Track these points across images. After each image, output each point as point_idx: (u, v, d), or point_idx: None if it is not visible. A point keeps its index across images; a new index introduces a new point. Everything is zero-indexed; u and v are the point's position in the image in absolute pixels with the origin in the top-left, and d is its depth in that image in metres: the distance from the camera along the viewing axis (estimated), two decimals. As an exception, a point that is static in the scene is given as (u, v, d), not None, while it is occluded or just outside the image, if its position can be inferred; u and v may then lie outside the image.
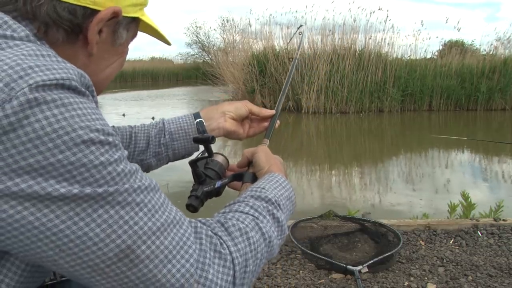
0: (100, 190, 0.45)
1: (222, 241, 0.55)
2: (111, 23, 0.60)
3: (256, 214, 0.63)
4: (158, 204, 0.51)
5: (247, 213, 0.62)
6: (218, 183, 0.81)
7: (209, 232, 0.56)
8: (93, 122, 0.47)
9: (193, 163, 0.79)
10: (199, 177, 0.79)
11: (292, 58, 1.15)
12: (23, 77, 0.44)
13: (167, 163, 1.01)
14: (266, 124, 1.01)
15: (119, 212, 0.47)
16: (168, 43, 0.78)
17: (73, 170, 0.44)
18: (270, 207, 0.66)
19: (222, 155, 0.87)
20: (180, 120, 0.97)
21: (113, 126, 1.01)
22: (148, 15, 0.70)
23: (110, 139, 0.48)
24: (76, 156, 0.44)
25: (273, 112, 1.01)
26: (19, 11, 0.54)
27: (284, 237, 0.68)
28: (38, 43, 0.52)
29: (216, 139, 0.97)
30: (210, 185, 0.79)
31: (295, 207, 0.76)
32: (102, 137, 0.47)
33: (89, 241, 0.45)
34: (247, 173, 0.83)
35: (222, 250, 0.54)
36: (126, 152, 0.51)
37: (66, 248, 0.45)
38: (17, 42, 0.49)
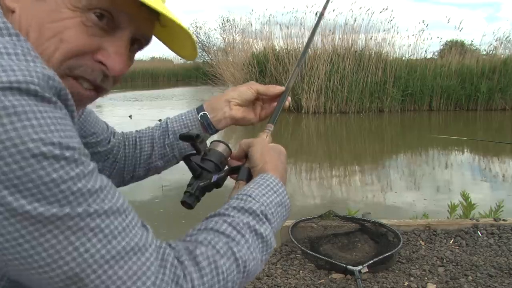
0: (48, 213, 0.41)
1: (186, 273, 0.50)
2: None
3: (233, 234, 0.57)
4: (118, 229, 0.45)
5: (223, 233, 0.57)
6: (214, 177, 0.75)
7: (175, 262, 0.50)
8: (49, 134, 0.42)
9: (186, 158, 0.75)
10: (194, 171, 0.75)
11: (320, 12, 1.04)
12: None
13: (177, 163, 0.96)
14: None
15: (68, 238, 0.42)
16: (192, 57, 0.69)
17: (19, 184, 0.40)
18: (252, 223, 0.60)
19: (223, 143, 0.80)
20: (183, 117, 0.93)
21: (122, 132, 0.97)
22: None
23: (68, 153, 0.43)
24: (24, 171, 0.40)
25: (282, 88, 0.92)
26: None
27: (270, 251, 0.63)
28: (15, 33, 0.47)
29: (225, 128, 0.93)
30: (206, 179, 0.75)
31: (289, 211, 0.71)
32: (57, 152, 0.42)
33: (34, 263, 0.42)
34: (243, 169, 0.77)
35: (184, 284, 0.49)
36: (91, 166, 0.46)
37: (11, 264, 0.43)
38: None
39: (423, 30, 16.07)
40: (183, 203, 0.73)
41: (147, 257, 0.47)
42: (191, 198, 0.73)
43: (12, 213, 0.40)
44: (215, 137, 0.90)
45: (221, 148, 0.79)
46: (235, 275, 0.55)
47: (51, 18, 0.52)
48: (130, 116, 10.17)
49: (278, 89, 0.92)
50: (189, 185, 0.75)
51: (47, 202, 0.41)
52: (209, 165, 0.77)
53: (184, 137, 0.74)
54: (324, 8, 1.03)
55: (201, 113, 0.92)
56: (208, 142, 0.80)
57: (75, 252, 0.43)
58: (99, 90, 0.60)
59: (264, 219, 0.63)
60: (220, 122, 0.92)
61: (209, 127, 0.92)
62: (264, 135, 0.84)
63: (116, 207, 0.46)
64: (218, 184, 0.76)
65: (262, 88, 0.93)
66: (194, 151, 0.76)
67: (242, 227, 0.59)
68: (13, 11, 0.53)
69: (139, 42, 0.63)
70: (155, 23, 0.63)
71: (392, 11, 19.85)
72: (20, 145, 0.40)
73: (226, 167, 0.80)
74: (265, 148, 0.76)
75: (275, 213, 0.66)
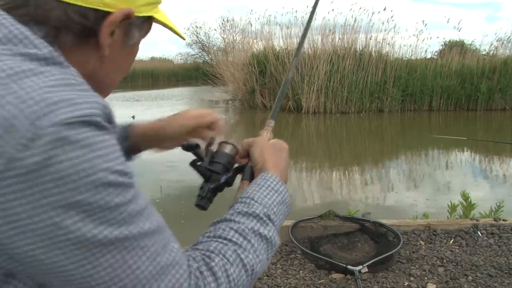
0: (111, 236, 0.46)
1: (205, 283, 0.56)
2: (123, 24, 0.58)
3: (240, 240, 0.62)
4: (161, 246, 0.52)
5: (230, 240, 0.62)
6: (223, 178, 0.80)
7: (197, 273, 0.56)
8: (112, 163, 0.47)
9: (192, 164, 0.79)
10: (203, 175, 0.79)
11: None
12: (48, 114, 0.43)
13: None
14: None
15: (124, 257, 0.48)
16: (183, 38, 0.76)
17: (89, 210, 0.45)
18: (256, 227, 0.65)
19: (230, 144, 0.84)
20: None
21: None
22: (163, 10, 0.68)
23: (126, 180, 0.48)
24: (94, 198, 0.45)
25: (215, 117, 0.93)
26: (31, 15, 0.52)
27: (275, 248, 0.68)
28: (61, 62, 0.51)
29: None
30: (215, 181, 0.79)
31: (290, 207, 0.74)
32: (120, 179, 0.47)
33: (93, 281, 0.47)
34: (246, 168, 0.81)
35: None
36: (137, 187, 0.51)
37: (70, 284, 0.47)
38: (42, 69, 0.48)
39: (422, 30, 16.07)
40: (197, 205, 0.78)
41: (184, 270, 0.53)
42: (203, 200, 0.78)
43: (80, 239, 0.45)
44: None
45: (228, 149, 0.83)
46: (244, 279, 0.60)
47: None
48: (133, 117, 10.13)
49: (210, 117, 0.93)
50: (200, 188, 0.79)
51: (109, 224, 0.46)
52: (217, 167, 0.81)
53: (185, 148, 0.80)
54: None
55: (130, 143, 0.92)
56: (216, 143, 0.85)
57: (129, 270, 0.48)
58: None
59: (268, 221, 0.67)
60: (145, 148, 0.95)
61: (127, 156, 0.92)
62: (264, 133, 0.87)
63: (157, 225, 0.52)
64: (228, 183, 0.81)
65: (193, 123, 0.92)
66: (195, 159, 0.81)
67: (248, 233, 0.63)
68: (101, 56, 0.61)
69: None
70: None
71: (391, 11, 19.89)
72: (92, 175, 0.44)
73: (236, 165, 0.84)
74: (265, 146, 0.79)
75: (277, 212, 0.70)
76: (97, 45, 0.57)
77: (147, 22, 0.64)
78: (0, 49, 0.48)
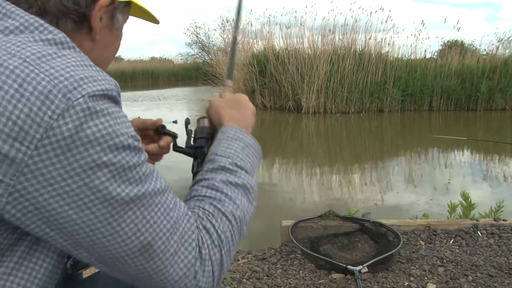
0: (132, 192, 0.53)
1: (202, 234, 0.63)
2: (109, 8, 0.65)
3: (213, 194, 0.69)
4: (171, 203, 0.59)
5: (204, 196, 0.68)
6: (205, 149, 0.85)
7: (199, 225, 0.64)
8: (129, 129, 0.54)
9: (175, 149, 0.86)
10: (189, 155, 0.85)
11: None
12: (77, 88, 0.50)
13: None
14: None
15: (143, 213, 0.55)
16: (157, 22, 0.82)
17: (114, 170, 0.52)
18: (225, 177, 0.71)
19: (205, 117, 0.90)
20: None
21: None
22: None
23: (138, 144, 0.56)
24: (117, 158, 0.52)
25: (155, 123, 0.91)
26: (33, 7, 0.58)
27: (254, 190, 0.75)
28: (74, 47, 0.57)
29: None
30: (201, 155, 0.84)
31: (259, 148, 0.81)
32: (135, 143, 0.55)
33: (119, 238, 0.54)
34: (214, 131, 0.87)
35: (202, 251, 0.62)
36: (146, 154, 0.58)
37: (99, 242, 0.54)
38: (63, 52, 0.54)
39: (421, 30, 16.06)
40: None
41: (191, 223, 0.62)
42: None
43: (107, 197, 0.52)
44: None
45: (205, 122, 0.90)
46: (228, 225, 0.66)
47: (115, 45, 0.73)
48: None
49: (152, 122, 0.93)
50: (192, 167, 0.85)
51: (130, 183, 0.53)
52: (201, 142, 0.87)
53: (164, 133, 0.87)
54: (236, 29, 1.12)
55: None
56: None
57: (148, 225, 0.55)
58: None
59: (236, 168, 0.73)
60: None
61: None
62: (223, 93, 0.95)
63: (166, 185, 0.60)
64: None
65: (139, 123, 0.93)
66: (175, 143, 0.88)
67: (219, 185, 0.70)
68: (93, 40, 0.67)
69: None
70: None
71: (390, 11, 19.90)
72: (115, 138, 0.52)
73: None
74: (219, 104, 0.88)
75: (244, 157, 0.76)
76: (89, 29, 0.64)
77: (127, 7, 0.72)
78: (23, 36, 0.54)
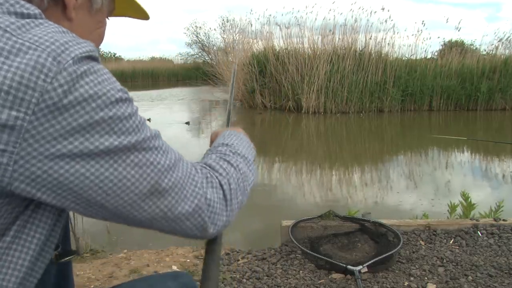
0: (132, 140, 0.56)
1: (208, 169, 0.70)
2: None
3: (217, 153, 0.76)
4: (166, 146, 0.63)
5: (207, 155, 0.77)
6: None
7: (199, 166, 0.70)
8: (115, 84, 0.56)
9: None
10: None
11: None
12: (65, 51, 0.52)
13: None
14: None
15: (145, 156, 0.58)
16: (147, 17, 0.84)
17: (111, 123, 0.54)
18: (225, 148, 0.78)
19: None
20: None
21: None
22: None
23: (128, 95, 0.57)
24: (112, 112, 0.54)
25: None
26: None
27: (253, 166, 0.81)
28: (47, 21, 0.57)
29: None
30: None
31: (252, 145, 0.86)
32: (124, 95, 0.56)
33: (128, 182, 0.56)
34: None
35: (213, 180, 0.68)
36: (136, 106, 0.61)
37: (111, 192, 0.56)
38: (39, 22, 0.55)
39: (422, 30, 16.05)
40: None
41: (187, 162, 0.66)
42: None
43: (110, 148, 0.54)
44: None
45: None
46: (233, 173, 0.72)
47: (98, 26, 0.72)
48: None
49: None
50: None
51: (128, 132, 0.56)
52: None
53: None
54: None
55: None
56: None
57: (152, 166, 0.59)
58: None
59: (234, 145, 0.80)
60: None
61: None
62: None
63: (157, 132, 0.63)
64: None
65: None
66: None
67: (221, 150, 0.78)
68: (69, 20, 0.67)
69: None
70: None
71: (389, 10, 19.89)
72: (106, 93, 0.54)
73: None
74: (217, 130, 0.94)
75: (241, 147, 0.82)
76: (64, 8, 0.65)
77: None
78: None
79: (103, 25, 0.73)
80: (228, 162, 0.74)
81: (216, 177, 0.69)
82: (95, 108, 0.52)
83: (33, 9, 0.57)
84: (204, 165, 0.71)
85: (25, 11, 0.56)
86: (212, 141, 0.91)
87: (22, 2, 0.57)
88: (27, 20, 0.54)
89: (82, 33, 0.65)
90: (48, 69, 0.50)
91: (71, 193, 0.54)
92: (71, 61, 0.51)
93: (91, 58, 0.55)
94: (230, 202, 0.69)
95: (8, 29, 0.51)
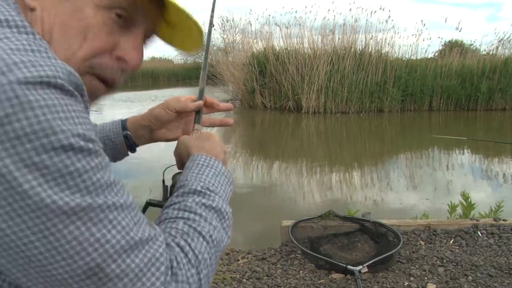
0: (73, 203, 0.43)
1: (176, 254, 0.54)
2: None
3: (186, 215, 0.61)
4: (133, 222, 0.49)
5: (176, 217, 0.60)
6: None
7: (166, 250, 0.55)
8: (75, 126, 0.44)
9: (151, 205, 0.77)
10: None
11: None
12: (5, 73, 0.41)
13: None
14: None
15: (90, 229, 0.45)
16: (198, 46, 0.70)
17: (47, 174, 0.42)
18: (198, 199, 0.63)
19: (179, 172, 0.81)
20: (107, 128, 0.93)
21: None
22: None
23: (90, 145, 0.46)
24: (53, 160, 0.42)
25: (200, 103, 0.89)
26: None
27: (230, 218, 0.65)
28: (33, 33, 0.49)
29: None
30: None
31: (231, 177, 0.72)
32: (82, 143, 0.44)
33: (58, 255, 0.44)
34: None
35: (178, 272, 0.53)
36: (107, 159, 0.49)
37: (35, 260, 0.44)
38: (8, 34, 0.46)
39: (422, 30, 16.06)
40: None
41: (161, 241, 0.51)
42: None
43: (39, 205, 0.42)
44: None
45: (179, 177, 0.78)
46: (206, 246, 0.58)
47: (75, 17, 0.54)
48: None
49: (195, 104, 0.89)
50: None
51: (71, 192, 0.43)
52: None
53: (155, 205, 0.77)
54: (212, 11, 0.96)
55: (125, 133, 0.93)
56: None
57: (97, 243, 0.45)
58: (112, 87, 0.62)
59: (209, 192, 0.65)
60: (141, 142, 0.94)
61: (131, 148, 0.94)
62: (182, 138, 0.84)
63: (130, 202, 0.49)
64: None
65: (179, 105, 0.91)
66: (150, 199, 0.78)
67: (191, 206, 0.61)
68: (32, 9, 0.54)
69: (146, 40, 0.65)
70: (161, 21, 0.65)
71: (389, 11, 19.89)
72: (51, 135, 0.42)
73: None
74: (186, 139, 0.78)
75: (216, 183, 0.68)
76: None
77: None
78: None
79: (88, 18, 0.55)
80: (200, 233, 0.58)
81: (184, 265, 0.53)
82: (30, 150, 0.41)
83: (12, 15, 0.48)
84: (172, 242, 0.55)
85: (1, 16, 0.47)
86: (179, 157, 0.78)
87: (9, 8, 0.49)
88: None
89: (55, 26, 0.53)
90: None
91: None
92: (7, 86, 0.41)
93: (49, 85, 0.43)
94: None
95: None
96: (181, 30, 0.67)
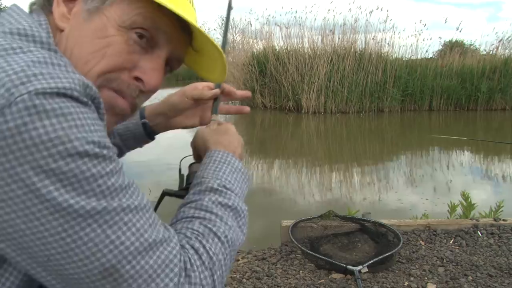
0: (88, 207, 0.45)
1: (190, 255, 0.55)
2: None
3: (202, 214, 0.61)
4: (147, 223, 0.50)
5: (193, 217, 0.61)
6: None
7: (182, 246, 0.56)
8: (90, 133, 0.46)
9: (167, 194, 0.78)
10: (181, 198, 0.77)
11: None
12: (25, 84, 0.44)
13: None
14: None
15: (105, 232, 0.47)
16: (223, 77, 0.72)
17: (64, 179, 0.44)
18: (214, 198, 0.64)
19: (195, 162, 0.82)
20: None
21: None
22: None
23: (105, 151, 0.48)
24: (69, 167, 0.44)
25: (217, 91, 0.88)
26: None
27: (245, 215, 0.66)
28: (56, 50, 0.53)
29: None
30: None
31: (247, 174, 0.73)
32: (97, 150, 0.46)
33: (75, 256, 0.46)
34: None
35: (192, 274, 0.54)
36: (121, 164, 0.50)
37: (53, 259, 0.46)
38: (32, 48, 0.49)
39: (422, 30, 16.06)
40: None
41: (175, 243, 0.53)
42: None
43: (56, 208, 0.44)
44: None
45: (195, 167, 0.80)
46: (221, 247, 0.59)
47: (97, 35, 0.57)
48: None
49: (212, 93, 0.88)
50: None
51: (87, 196, 0.45)
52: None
53: (171, 195, 0.77)
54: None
55: (143, 121, 0.93)
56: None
57: (112, 245, 0.47)
58: (133, 107, 0.64)
59: (225, 190, 0.66)
60: (159, 129, 0.95)
61: (149, 136, 0.95)
62: (200, 129, 0.85)
63: (144, 204, 0.51)
64: None
65: (196, 93, 0.90)
66: (173, 191, 0.78)
67: (208, 205, 0.62)
68: (62, 30, 0.58)
69: (172, 64, 0.67)
70: (188, 48, 0.67)
71: (388, 10, 19.90)
72: (67, 143, 0.44)
73: None
74: (204, 132, 0.79)
75: (233, 180, 0.69)
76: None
77: None
78: None
79: (112, 40, 0.57)
80: (215, 234, 0.59)
81: (197, 267, 0.54)
82: (47, 157, 0.43)
83: (42, 32, 0.52)
84: (187, 244, 0.56)
85: (29, 32, 0.51)
86: (196, 150, 0.80)
87: (35, 24, 0.53)
88: (17, 46, 0.49)
89: (74, 44, 0.57)
90: None
91: (11, 247, 0.46)
92: (26, 96, 0.43)
93: (64, 96, 0.45)
94: None
95: None
96: (207, 58, 0.69)
